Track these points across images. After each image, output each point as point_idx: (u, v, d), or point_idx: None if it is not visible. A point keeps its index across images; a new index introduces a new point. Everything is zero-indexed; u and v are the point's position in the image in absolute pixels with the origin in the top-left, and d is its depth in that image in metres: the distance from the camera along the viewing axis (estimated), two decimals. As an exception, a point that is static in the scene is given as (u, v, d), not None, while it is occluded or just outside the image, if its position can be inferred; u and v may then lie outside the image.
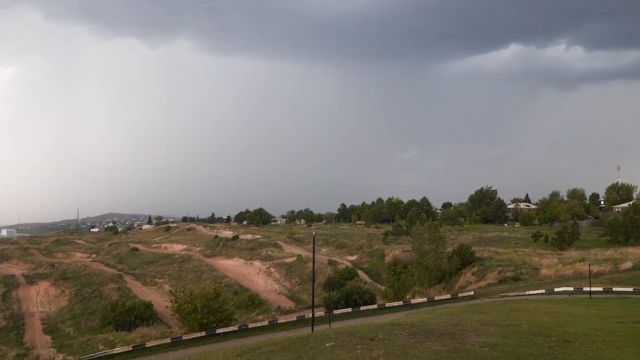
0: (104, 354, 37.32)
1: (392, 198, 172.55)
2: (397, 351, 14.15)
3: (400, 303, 47.07)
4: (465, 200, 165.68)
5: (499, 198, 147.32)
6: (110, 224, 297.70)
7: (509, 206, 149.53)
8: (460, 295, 49.32)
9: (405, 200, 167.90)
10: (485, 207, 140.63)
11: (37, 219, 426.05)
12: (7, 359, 39.26)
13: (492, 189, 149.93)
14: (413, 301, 47.79)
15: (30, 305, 68.27)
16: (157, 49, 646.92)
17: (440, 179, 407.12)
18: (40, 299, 71.17)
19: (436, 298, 49.37)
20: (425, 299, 48.75)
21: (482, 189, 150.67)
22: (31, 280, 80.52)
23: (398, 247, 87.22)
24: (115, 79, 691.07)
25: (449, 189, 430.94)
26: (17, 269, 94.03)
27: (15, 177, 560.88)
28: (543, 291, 45.69)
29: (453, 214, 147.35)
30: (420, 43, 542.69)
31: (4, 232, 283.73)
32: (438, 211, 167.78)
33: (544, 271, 57.03)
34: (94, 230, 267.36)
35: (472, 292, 49.76)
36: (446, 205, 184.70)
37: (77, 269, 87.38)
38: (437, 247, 64.68)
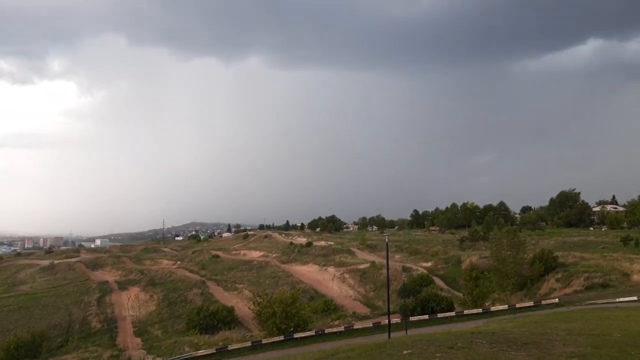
0: (190, 356, 39.31)
1: (467, 203, 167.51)
2: None
3: (479, 310, 45.64)
4: (545, 203, 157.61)
5: (582, 200, 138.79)
6: (193, 233, 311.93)
7: (593, 209, 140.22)
8: (543, 302, 46.96)
9: (481, 205, 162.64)
10: (568, 210, 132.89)
11: (127, 229, 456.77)
12: (102, 359, 42.09)
13: (575, 191, 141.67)
14: (492, 309, 46.15)
15: (122, 310, 73.12)
16: (231, 67, 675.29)
17: (519, 182, 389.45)
18: (131, 304, 76.02)
19: (517, 305, 47.30)
20: (505, 307, 46.89)
21: (563, 191, 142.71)
22: (123, 286, 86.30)
23: (475, 253, 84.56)
24: (195, 97, 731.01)
25: (528, 192, 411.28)
26: (110, 276, 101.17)
27: (107, 191, 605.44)
28: (635, 298, 42.47)
29: (533, 218, 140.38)
30: (494, 43, 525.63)
31: (98, 242, 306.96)
32: (517, 215, 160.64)
33: (635, 277, 52.99)
34: (178, 238, 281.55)
35: (556, 300, 47.23)
36: (525, 210, 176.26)
37: (164, 275, 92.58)
38: (517, 253, 62.09)
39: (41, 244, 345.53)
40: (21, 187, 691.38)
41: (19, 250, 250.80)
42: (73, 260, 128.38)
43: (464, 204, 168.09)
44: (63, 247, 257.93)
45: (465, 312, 45.76)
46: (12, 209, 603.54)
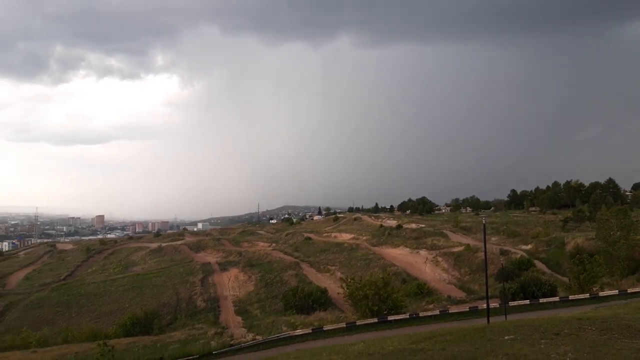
0: (288, 335, 40.85)
1: (571, 181, 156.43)
2: (587, 348, 13.14)
3: (586, 296, 42.91)
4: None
5: None
6: (286, 216, 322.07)
7: None
8: (661, 287, 43.07)
9: (586, 183, 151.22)
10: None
11: (225, 212, 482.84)
12: (207, 337, 44.79)
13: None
14: (601, 294, 43.14)
15: (223, 290, 77.49)
16: (319, 49, 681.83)
17: (629, 156, 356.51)
18: (231, 284, 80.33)
19: (629, 290, 43.80)
20: (616, 292, 43.67)
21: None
22: (223, 267, 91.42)
23: (580, 234, 78.98)
24: (285, 82, 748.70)
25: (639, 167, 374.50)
26: (211, 257, 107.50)
27: (207, 178, 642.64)
28: None
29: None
30: (596, 5, 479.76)
31: (200, 226, 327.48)
32: (628, 193, 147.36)
33: None
34: (272, 221, 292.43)
35: (676, 285, 43.08)
36: (637, 186, 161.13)
37: (260, 256, 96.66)
38: (628, 234, 57.24)
39: (150, 228, 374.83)
40: (131, 176, 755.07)
41: (130, 234, 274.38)
42: (178, 243, 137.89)
43: (567, 182, 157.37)
44: (169, 231, 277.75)
45: (571, 297, 43.34)
46: (124, 196, 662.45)
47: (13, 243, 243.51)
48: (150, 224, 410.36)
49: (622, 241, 57.02)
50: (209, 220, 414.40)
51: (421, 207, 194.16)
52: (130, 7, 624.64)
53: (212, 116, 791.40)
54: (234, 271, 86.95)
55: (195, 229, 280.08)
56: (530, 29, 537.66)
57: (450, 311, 43.14)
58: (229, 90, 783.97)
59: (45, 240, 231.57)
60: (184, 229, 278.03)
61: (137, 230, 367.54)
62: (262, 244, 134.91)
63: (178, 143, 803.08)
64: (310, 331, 40.91)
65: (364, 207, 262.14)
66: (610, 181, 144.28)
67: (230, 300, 71.11)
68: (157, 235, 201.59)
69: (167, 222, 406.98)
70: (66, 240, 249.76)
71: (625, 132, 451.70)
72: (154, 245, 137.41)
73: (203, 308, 68.26)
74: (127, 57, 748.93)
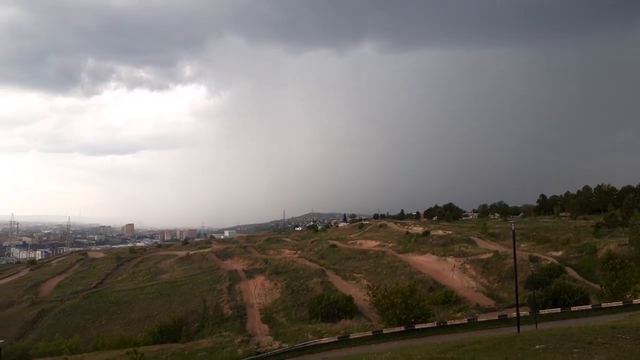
0: (314, 343, 40.73)
1: (603, 185, 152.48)
2: (621, 357, 12.82)
3: (620, 303, 41.68)
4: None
5: None
6: (311, 223, 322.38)
7: None
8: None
9: (618, 187, 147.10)
10: None
11: (251, 220, 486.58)
12: (234, 344, 44.99)
13: None
14: (635, 301, 41.85)
15: (250, 297, 77.83)
16: (343, 56, 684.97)
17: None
18: (257, 292, 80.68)
19: (666, 299, 42.40)
20: (652, 300, 42.30)
21: None
22: (250, 274, 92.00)
23: (613, 240, 76.84)
24: (309, 90, 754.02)
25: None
26: (238, 265, 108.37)
27: (233, 186, 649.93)
28: None
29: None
30: (624, 3, 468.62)
31: (227, 233, 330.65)
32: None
33: None
34: (297, 229, 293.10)
35: None
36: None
37: (286, 264, 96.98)
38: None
39: (178, 236, 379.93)
40: (159, 185, 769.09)
41: (159, 242, 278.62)
42: (206, 250, 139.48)
43: (599, 187, 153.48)
44: (197, 239, 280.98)
45: (604, 305, 42.18)
46: (152, 204, 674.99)
47: (46, 252, 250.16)
48: (178, 232, 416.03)
49: (657, 247, 55.34)
50: (235, 228, 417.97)
51: (448, 213, 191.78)
52: (158, 19, 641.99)
53: (238, 125, 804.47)
54: (260, 279, 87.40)
55: (222, 237, 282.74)
56: (562, 31, 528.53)
57: (478, 320, 42.43)
58: (254, 99, 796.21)
59: (77, 249, 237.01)
60: (211, 236, 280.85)
61: (165, 239, 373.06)
62: (287, 251, 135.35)
63: (205, 152, 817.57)
64: (337, 339, 40.73)
65: (390, 213, 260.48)
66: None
67: (257, 308, 71.41)
68: (185, 243, 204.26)
69: (195, 230, 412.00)
70: (97, 248, 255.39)
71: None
72: (182, 253, 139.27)
73: (230, 316, 68.66)
74: (156, 68, 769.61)
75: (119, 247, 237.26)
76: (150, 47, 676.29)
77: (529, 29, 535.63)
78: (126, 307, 79.04)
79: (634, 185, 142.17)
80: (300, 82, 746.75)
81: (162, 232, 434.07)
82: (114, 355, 41.23)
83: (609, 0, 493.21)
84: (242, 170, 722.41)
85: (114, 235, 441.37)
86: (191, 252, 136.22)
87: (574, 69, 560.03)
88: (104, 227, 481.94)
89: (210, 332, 59.78)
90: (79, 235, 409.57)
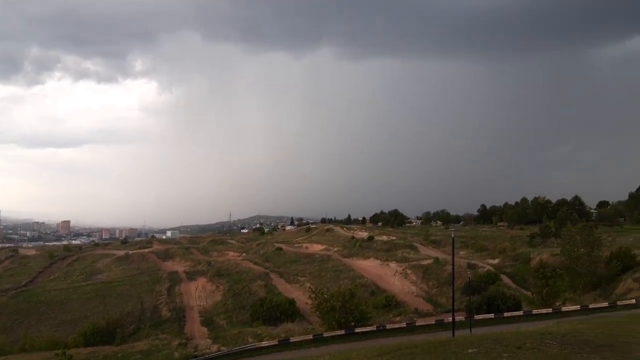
0: (253, 346, 40.23)
1: (539, 198, 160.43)
2: (547, 362, 13.29)
3: (549, 310, 43.63)
4: (625, 198, 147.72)
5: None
6: (258, 225, 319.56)
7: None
8: (619, 303, 44.19)
9: (553, 200, 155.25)
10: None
11: (196, 221, 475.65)
12: (171, 347, 43.76)
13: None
14: (563, 309, 43.93)
15: (190, 299, 76.06)
16: (302, 59, 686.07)
17: (596, 175, 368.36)
18: (198, 294, 78.95)
19: (591, 306, 44.77)
20: (577, 307, 44.53)
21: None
22: (191, 276, 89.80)
23: (546, 250, 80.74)
24: (264, 92, 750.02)
25: (606, 186, 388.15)
26: (179, 266, 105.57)
27: (179, 185, 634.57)
28: None
29: (610, 214, 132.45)
30: (570, 28, 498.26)
31: (169, 234, 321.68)
32: (593, 211, 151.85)
33: None
34: (243, 231, 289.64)
35: (633, 300, 44.27)
36: (602, 205, 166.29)
37: (229, 266, 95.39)
38: (592, 251, 58.73)
39: (117, 235, 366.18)
40: (100, 181, 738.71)
41: (97, 241, 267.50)
42: (146, 250, 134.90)
43: (535, 199, 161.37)
44: (137, 238, 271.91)
45: (534, 311, 43.95)
46: (92, 201, 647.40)
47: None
48: (117, 230, 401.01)
49: (585, 257, 58.36)
50: (178, 229, 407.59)
51: (393, 219, 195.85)
52: (111, 9, 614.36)
53: (189, 123, 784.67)
54: (201, 281, 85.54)
55: (164, 237, 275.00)
56: (509, 47, 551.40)
57: (417, 324, 43.27)
58: (207, 98, 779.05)
59: (7, 245, 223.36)
60: (153, 236, 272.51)
61: (103, 237, 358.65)
62: (232, 253, 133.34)
63: (152, 149, 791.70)
64: (277, 343, 40.41)
65: (337, 218, 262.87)
66: (577, 199, 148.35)
67: (197, 311, 69.89)
68: (124, 242, 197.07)
69: (136, 229, 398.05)
70: (29, 245, 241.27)
71: (593, 153, 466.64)
72: (121, 252, 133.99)
73: (168, 318, 66.91)
74: (105, 60, 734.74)
75: (53, 245, 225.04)
76: (100, 38, 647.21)
77: (482, 45, 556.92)
78: (58, 308, 75.21)
79: (568, 198, 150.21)
80: (256, 83, 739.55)
81: (100, 230, 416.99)
82: (42, 357, 39.10)
83: (554, 24, 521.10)
84: (189, 169, 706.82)
85: (49, 232, 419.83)
86: (130, 252, 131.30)
87: (522, 87, 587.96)
88: (37, 223, 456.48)
89: (147, 334, 57.96)
90: (10, 231, 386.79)
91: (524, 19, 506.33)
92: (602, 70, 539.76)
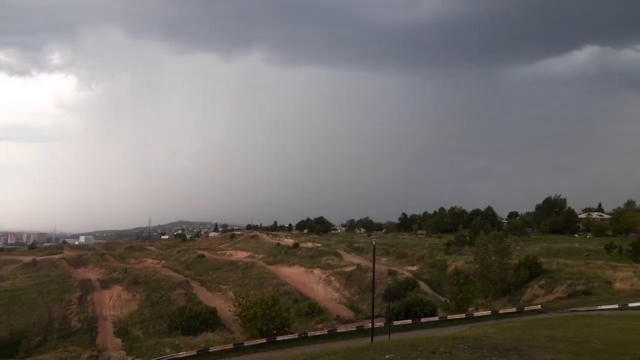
0: (170, 357, 38.79)
1: (455, 207, 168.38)
2: (458, 366, 13.83)
3: (463, 316, 45.68)
4: (533, 209, 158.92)
5: (569, 207, 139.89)
6: (179, 232, 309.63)
7: (580, 216, 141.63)
8: (526, 309, 47.20)
9: (469, 210, 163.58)
10: (554, 216, 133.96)
11: (113, 226, 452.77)
12: (81, 360, 41.43)
13: (560, 197, 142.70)
14: (476, 314, 46.23)
15: (103, 309, 72.13)
16: (231, 62, 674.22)
17: (508, 187, 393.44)
18: (112, 303, 74.99)
19: (500, 311, 47.46)
20: (488, 312, 47.04)
21: (549, 197, 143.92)
22: (105, 284, 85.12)
23: (461, 258, 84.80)
24: (191, 93, 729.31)
25: (517, 198, 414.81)
26: (93, 274, 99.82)
27: (95, 188, 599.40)
28: (617, 306, 42.78)
29: (519, 224, 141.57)
30: (488, 48, 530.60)
31: (82, 239, 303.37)
32: (504, 221, 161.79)
33: (618, 285, 53.52)
34: (164, 237, 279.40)
35: (539, 306, 47.50)
36: (512, 215, 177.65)
37: (147, 274, 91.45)
38: (502, 259, 62.37)
39: (24, 239, 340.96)
40: (7, 181, 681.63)
41: (1, 246, 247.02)
42: (56, 257, 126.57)
43: (452, 208, 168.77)
44: (47, 244, 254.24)
45: (449, 317, 45.73)
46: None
47: None
48: (25, 235, 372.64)
49: (496, 265, 61.79)
50: (93, 234, 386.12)
51: (318, 226, 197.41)
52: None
53: (109, 122, 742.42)
54: (116, 289, 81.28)
55: (76, 243, 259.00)
56: (431, 65, 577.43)
57: (338, 331, 43.66)
58: (130, 97, 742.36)
59: None
60: (64, 241, 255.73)
61: (9, 242, 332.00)
62: (150, 260, 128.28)
63: (68, 149, 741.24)
64: (195, 353, 39.19)
65: (263, 224, 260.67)
66: (489, 209, 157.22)
67: (110, 321, 66.42)
68: (32, 247, 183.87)
69: (45, 233, 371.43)
70: None
71: (505, 165, 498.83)
72: (28, 258, 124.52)
73: (78, 329, 63.09)
74: (19, 51, 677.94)
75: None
76: (15, 28, 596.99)
77: (406, 59, 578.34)
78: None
79: (482, 209, 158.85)
80: (182, 84, 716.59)
81: (5, 235, 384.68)
82: None
83: (467, 45, 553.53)
84: (107, 171, 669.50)
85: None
86: (38, 258, 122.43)
87: (438, 101, 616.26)
88: None
89: (55, 346, 54.37)
90: None
91: (444, 37, 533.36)
92: (512, 90, 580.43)
